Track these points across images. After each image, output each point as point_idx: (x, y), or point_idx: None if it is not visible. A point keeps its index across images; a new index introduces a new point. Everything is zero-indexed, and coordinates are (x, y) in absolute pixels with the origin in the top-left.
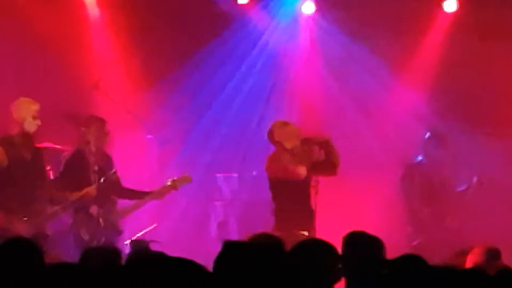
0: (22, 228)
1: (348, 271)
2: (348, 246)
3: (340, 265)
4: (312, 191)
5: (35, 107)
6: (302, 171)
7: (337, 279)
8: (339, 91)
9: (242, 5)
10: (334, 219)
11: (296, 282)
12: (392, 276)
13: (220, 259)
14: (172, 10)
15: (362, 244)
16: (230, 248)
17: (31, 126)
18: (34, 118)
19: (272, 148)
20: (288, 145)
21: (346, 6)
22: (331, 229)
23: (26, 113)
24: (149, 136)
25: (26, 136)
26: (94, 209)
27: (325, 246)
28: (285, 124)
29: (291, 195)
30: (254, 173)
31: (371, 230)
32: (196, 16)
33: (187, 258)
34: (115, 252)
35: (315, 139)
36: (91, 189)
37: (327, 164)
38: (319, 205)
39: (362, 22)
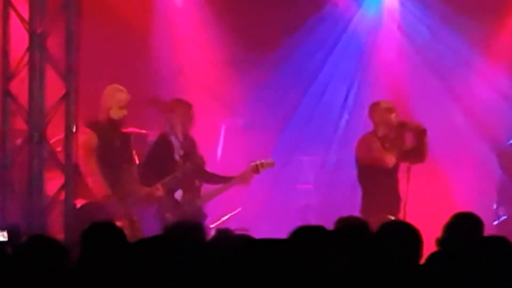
0: (113, 209)
1: (449, 249)
2: (453, 225)
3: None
4: (403, 178)
5: (123, 96)
6: (391, 160)
7: (419, 260)
8: (426, 73)
9: None
10: (421, 200)
11: (381, 263)
12: (476, 255)
13: (289, 242)
14: None
15: (468, 224)
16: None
17: (117, 114)
18: (120, 108)
19: (359, 133)
20: (381, 131)
21: None
22: (418, 209)
23: (113, 102)
24: (234, 121)
25: (113, 123)
26: (179, 194)
27: (409, 228)
28: (389, 110)
29: (378, 181)
30: (339, 156)
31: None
32: (284, 2)
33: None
34: (200, 227)
35: (412, 126)
36: (157, 191)
37: (417, 153)
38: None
39: (448, 4)
